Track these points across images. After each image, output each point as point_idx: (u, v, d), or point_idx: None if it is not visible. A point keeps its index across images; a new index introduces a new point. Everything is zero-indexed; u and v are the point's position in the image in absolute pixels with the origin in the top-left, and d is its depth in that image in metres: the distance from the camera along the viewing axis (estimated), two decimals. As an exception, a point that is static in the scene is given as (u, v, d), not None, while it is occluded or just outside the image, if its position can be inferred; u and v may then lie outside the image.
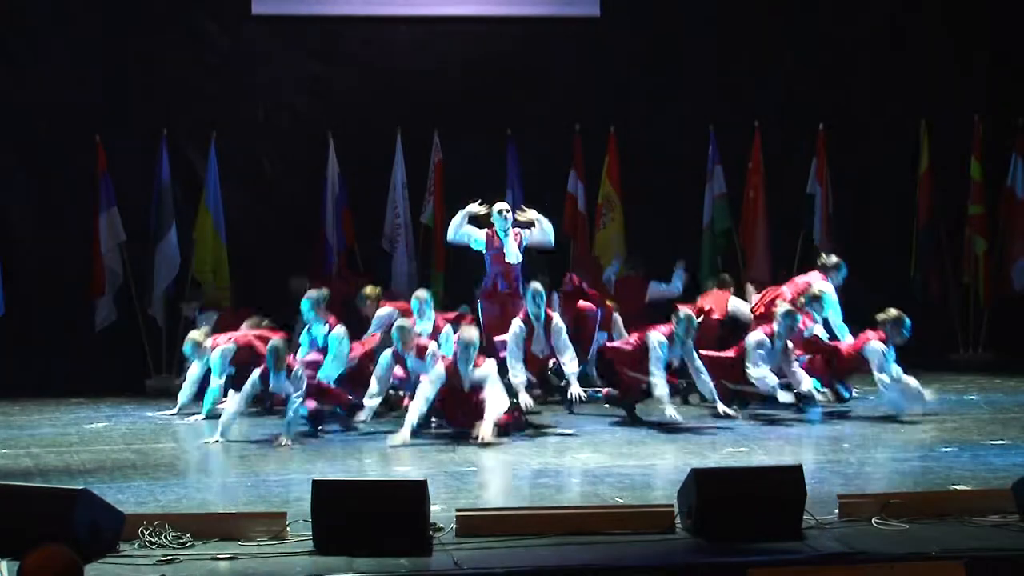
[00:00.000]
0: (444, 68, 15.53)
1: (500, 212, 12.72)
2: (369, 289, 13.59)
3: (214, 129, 14.81)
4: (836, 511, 8.17)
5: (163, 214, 14.50)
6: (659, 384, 11.82)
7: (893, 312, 12.36)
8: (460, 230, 12.84)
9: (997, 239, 15.75)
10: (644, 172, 15.57)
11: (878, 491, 8.73)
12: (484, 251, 12.75)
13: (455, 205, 14.97)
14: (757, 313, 13.37)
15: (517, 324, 12.17)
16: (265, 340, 11.93)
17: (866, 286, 15.83)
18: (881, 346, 12.21)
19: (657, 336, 11.97)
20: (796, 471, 8.10)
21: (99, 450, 11.05)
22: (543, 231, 12.86)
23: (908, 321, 12.32)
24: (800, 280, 13.63)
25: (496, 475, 9.98)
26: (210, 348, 12.51)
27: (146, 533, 7.62)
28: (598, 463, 10.35)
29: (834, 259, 13.69)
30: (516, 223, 12.78)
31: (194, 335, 12.81)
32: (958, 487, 9.10)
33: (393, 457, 10.68)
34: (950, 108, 16.02)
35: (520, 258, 12.73)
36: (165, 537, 7.60)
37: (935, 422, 11.95)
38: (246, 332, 12.68)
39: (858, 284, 15.72)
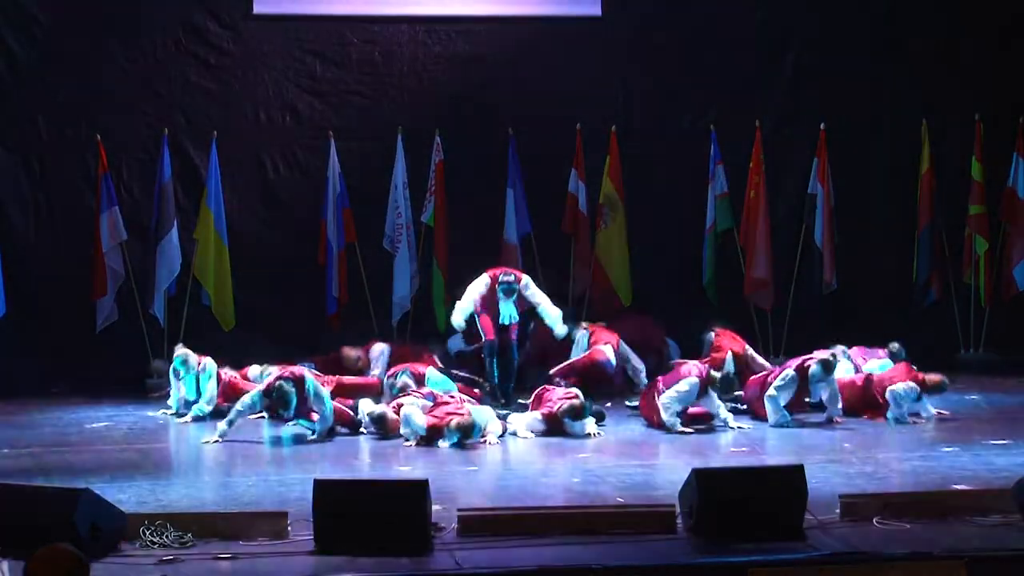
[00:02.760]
0: (444, 68, 15.51)
1: (503, 283, 12.72)
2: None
3: (215, 129, 14.81)
4: (837, 511, 8.17)
5: (164, 213, 14.47)
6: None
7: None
8: (466, 314, 12.87)
9: (998, 240, 15.73)
10: (645, 172, 15.55)
11: (879, 491, 8.73)
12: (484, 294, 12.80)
13: (456, 205, 15.02)
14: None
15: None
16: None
17: (865, 287, 15.93)
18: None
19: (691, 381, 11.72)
20: (798, 471, 8.11)
21: (100, 450, 11.05)
22: (551, 318, 12.93)
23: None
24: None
25: (497, 475, 9.97)
26: (197, 365, 12.51)
27: (147, 533, 7.63)
28: (599, 463, 10.35)
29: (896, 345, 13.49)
30: (520, 296, 12.80)
31: (183, 351, 12.69)
32: (959, 487, 9.11)
33: (394, 457, 10.69)
34: (950, 108, 16.00)
35: (516, 319, 12.78)
36: (166, 537, 7.61)
37: (936, 422, 11.95)
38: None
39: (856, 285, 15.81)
